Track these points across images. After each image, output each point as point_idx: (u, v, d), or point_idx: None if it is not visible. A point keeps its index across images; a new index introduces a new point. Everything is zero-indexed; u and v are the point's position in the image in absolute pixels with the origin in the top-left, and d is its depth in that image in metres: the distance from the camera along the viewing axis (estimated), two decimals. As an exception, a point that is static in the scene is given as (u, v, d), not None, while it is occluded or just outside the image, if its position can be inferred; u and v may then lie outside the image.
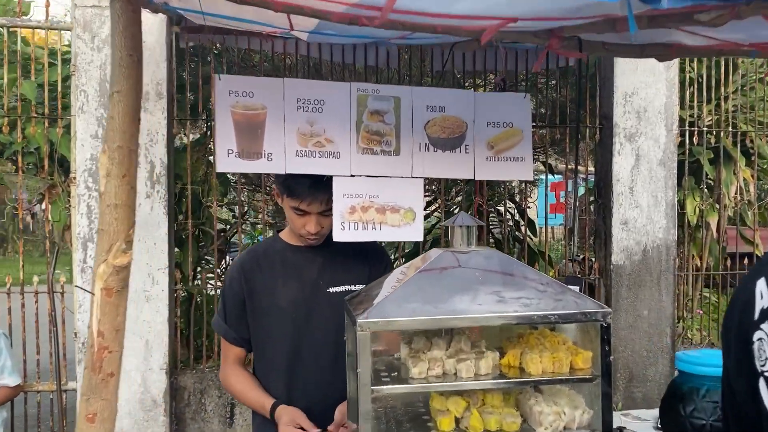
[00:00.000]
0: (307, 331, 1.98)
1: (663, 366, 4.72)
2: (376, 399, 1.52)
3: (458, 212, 1.59)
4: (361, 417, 1.39)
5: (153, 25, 3.94)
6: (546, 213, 4.98)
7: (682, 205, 5.25)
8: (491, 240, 5.49)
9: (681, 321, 5.35)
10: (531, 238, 5.43)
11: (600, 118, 4.76)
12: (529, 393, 1.57)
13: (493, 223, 5.61)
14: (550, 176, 7.20)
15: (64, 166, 4.15)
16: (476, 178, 2.14)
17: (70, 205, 4.06)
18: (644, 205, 4.66)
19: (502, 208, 4.88)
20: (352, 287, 1.96)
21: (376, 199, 2.07)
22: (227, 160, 1.95)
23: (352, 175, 2.05)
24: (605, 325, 1.44)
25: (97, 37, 3.91)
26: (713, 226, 5.26)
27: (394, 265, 2.32)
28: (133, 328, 3.90)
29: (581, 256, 5.30)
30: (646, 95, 4.66)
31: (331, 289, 1.98)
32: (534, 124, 5.05)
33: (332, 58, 4.23)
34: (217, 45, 4.39)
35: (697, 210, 5.22)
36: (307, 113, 2.02)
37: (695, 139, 5.03)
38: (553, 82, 5.12)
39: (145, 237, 3.97)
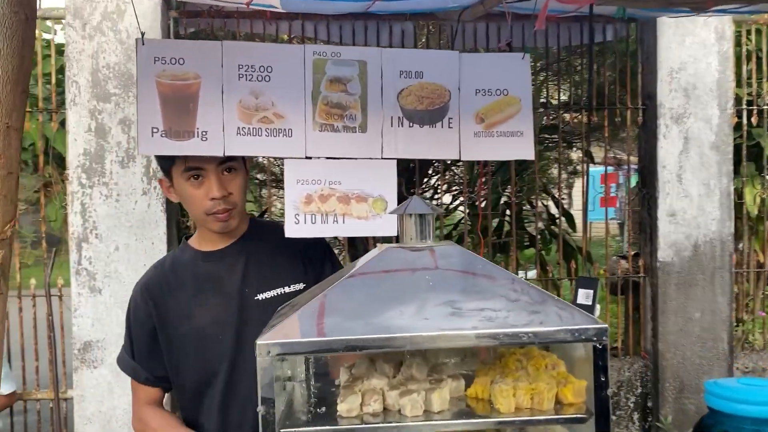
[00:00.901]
0: (239, 355, 1.61)
1: (719, 374, 4.19)
2: None
3: (412, 198, 1.20)
4: (266, 468, 1.03)
5: (148, 10, 3.70)
6: (585, 207, 4.51)
7: (740, 195, 4.68)
8: (525, 237, 5.04)
9: (741, 324, 4.77)
10: (569, 234, 4.97)
11: (643, 98, 4.26)
12: (505, 434, 1.18)
13: (528, 218, 5.16)
14: (601, 168, 6.70)
15: (60, 163, 3.95)
16: (462, 158, 1.75)
17: (66, 204, 3.84)
18: (694, 195, 4.14)
19: (537, 201, 4.44)
20: (287, 289, 1.59)
21: (338, 185, 1.70)
22: (151, 141, 1.62)
23: (307, 157, 1.69)
24: (600, 347, 1.04)
25: (88, 25, 3.68)
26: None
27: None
28: (131, 334, 3.66)
29: (632, 252, 4.79)
30: (695, 71, 4.14)
31: (260, 296, 1.60)
32: (569, 107, 4.61)
33: (342, 40, 3.89)
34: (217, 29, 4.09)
35: (758, 199, 4.64)
36: (251, 83, 1.67)
37: (754, 120, 4.45)
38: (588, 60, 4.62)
39: (142, 236, 3.73)
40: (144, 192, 3.73)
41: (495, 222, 4.90)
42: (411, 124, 1.74)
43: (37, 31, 3.98)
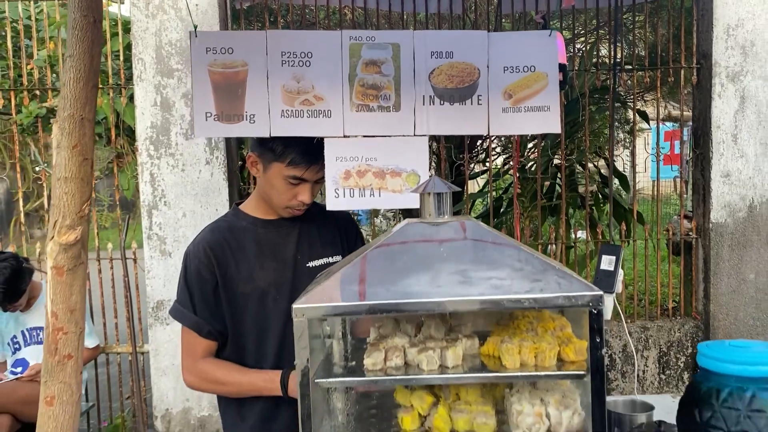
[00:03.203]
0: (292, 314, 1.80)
1: (775, 337, 4.18)
2: (332, 391, 1.34)
3: (431, 176, 1.34)
4: (303, 410, 1.22)
5: (206, -14, 3.86)
6: (634, 168, 4.49)
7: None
8: (577, 199, 5.06)
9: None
10: (621, 195, 4.95)
11: (698, 56, 4.18)
12: (513, 388, 1.32)
13: (581, 180, 5.17)
14: (664, 125, 6.57)
15: (131, 135, 4.24)
16: (491, 134, 1.86)
17: (137, 174, 4.13)
18: (751, 155, 4.08)
19: (587, 162, 4.44)
20: (331, 260, 1.76)
21: (374, 162, 1.85)
22: (205, 125, 1.80)
23: (345, 136, 1.84)
24: (595, 312, 1.17)
25: (151, 4, 3.89)
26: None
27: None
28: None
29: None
30: (753, 27, 4.03)
31: (311, 264, 1.78)
32: (620, 67, 4.55)
33: (391, 7, 3.98)
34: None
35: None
36: (293, 68, 1.82)
37: (817, 76, 4.29)
38: (642, 17, 4.53)
39: (206, 203, 3.98)
40: (207, 162, 3.96)
41: (546, 185, 4.95)
42: (442, 102, 1.86)
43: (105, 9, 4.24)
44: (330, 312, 1.21)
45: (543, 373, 1.22)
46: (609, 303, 1.79)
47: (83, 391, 4.06)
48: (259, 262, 1.81)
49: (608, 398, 1.89)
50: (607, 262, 1.83)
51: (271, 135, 1.80)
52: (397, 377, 1.25)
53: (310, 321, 1.21)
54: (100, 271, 4.33)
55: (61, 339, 1.48)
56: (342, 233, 1.91)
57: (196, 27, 1.79)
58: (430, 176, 1.47)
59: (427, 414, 1.30)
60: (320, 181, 1.81)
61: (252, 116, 1.81)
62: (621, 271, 1.85)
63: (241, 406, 1.93)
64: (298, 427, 1.79)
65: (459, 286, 1.21)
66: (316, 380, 1.24)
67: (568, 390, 1.32)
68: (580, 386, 1.29)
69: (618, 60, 4.28)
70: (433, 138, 4.06)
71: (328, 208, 1.85)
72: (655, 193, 4.61)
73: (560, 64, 1.97)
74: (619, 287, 1.86)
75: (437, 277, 1.23)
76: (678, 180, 4.73)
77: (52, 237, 1.48)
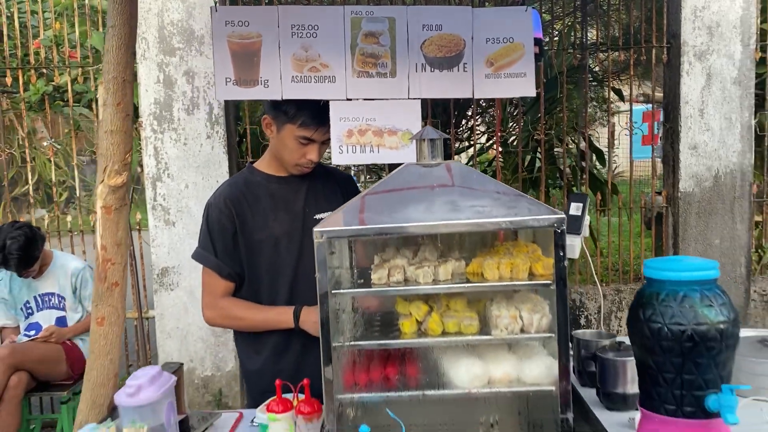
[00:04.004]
0: (301, 261, 2.05)
1: (737, 297, 4.51)
2: (344, 303, 1.61)
3: (425, 126, 1.61)
4: (322, 314, 1.49)
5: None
6: (611, 142, 4.80)
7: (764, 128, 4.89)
8: (556, 172, 5.36)
9: (760, 250, 5.05)
10: (597, 169, 5.25)
11: (668, 36, 4.48)
12: (494, 298, 1.60)
13: (560, 154, 5.47)
14: (641, 106, 6.85)
15: (135, 111, 4.45)
16: (475, 96, 2.13)
17: (140, 148, 4.36)
18: (716, 128, 4.39)
19: (569, 139, 4.72)
20: None
21: (373, 122, 2.11)
22: (225, 88, 2.06)
23: (348, 99, 2.10)
24: (558, 231, 1.44)
25: (153, -15, 4.09)
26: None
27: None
28: (201, 261, 4.20)
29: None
30: (719, 8, 4.32)
31: (317, 216, 2.03)
32: (596, 48, 4.84)
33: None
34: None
35: (781, 131, 4.84)
36: (301, 39, 2.08)
37: (778, 55, 4.62)
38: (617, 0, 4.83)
39: (208, 175, 4.22)
40: (208, 136, 4.20)
41: (528, 159, 5.24)
42: (432, 69, 2.13)
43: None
44: (345, 234, 1.48)
45: (517, 283, 1.50)
46: (576, 242, 2.07)
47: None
48: (272, 214, 2.08)
49: (578, 331, 2.19)
50: (575, 209, 2.11)
51: (283, 98, 2.06)
52: (399, 288, 1.53)
53: (328, 241, 1.48)
54: (106, 241, 4.56)
55: (109, 268, 1.74)
56: (343, 190, 2.20)
57: (216, 2, 2.03)
58: (423, 125, 1.73)
59: (423, 320, 1.58)
60: (326, 142, 2.07)
61: (266, 81, 2.06)
62: (587, 217, 2.13)
63: (256, 341, 2.18)
64: (305, 360, 2.07)
65: (449, 213, 1.49)
66: (333, 291, 1.51)
67: (538, 300, 1.60)
68: (548, 296, 1.57)
69: (594, 41, 4.57)
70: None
71: (334, 162, 2.12)
72: (630, 170, 4.91)
73: (536, 38, 2.24)
74: (586, 231, 2.13)
75: (431, 207, 1.51)
76: (654, 158, 5.04)
77: (102, 181, 1.73)
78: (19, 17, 4.36)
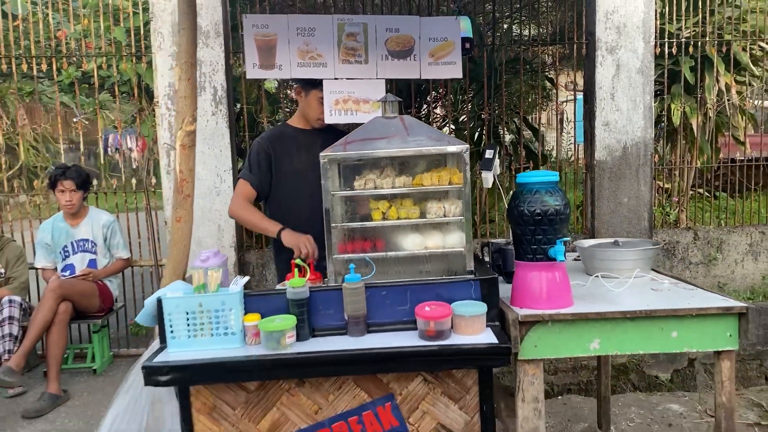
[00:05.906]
0: (316, 191, 2.98)
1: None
2: (337, 202, 2.61)
3: (387, 94, 2.61)
4: (327, 207, 2.48)
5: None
6: (539, 122, 5.87)
7: (671, 111, 6.00)
8: (504, 150, 6.42)
9: (660, 207, 6.17)
10: (532, 144, 6.31)
11: (587, 34, 5.54)
12: (428, 197, 2.62)
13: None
14: (570, 92, 7.84)
15: (149, 93, 5.34)
16: (421, 77, 3.15)
17: (155, 123, 5.28)
18: (624, 109, 5.46)
19: (504, 118, 5.76)
20: None
21: (353, 94, 3.11)
22: (253, 71, 3.04)
23: (336, 78, 3.10)
24: (463, 154, 2.46)
25: (167, -12, 5.00)
26: (694, 126, 6.00)
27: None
28: (208, 216, 5.13)
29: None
30: (625, 12, 5.39)
31: None
32: (531, 43, 5.90)
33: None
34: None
35: (677, 112, 5.96)
36: (303, 37, 3.06)
37: (674, 51, 5.73)
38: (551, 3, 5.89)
39: (213, 146, 5.13)
40: (213, 113, 5.12)
41: (476, 136, 6.28)
42: (392, 59, 3.14)
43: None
44: (336, 158, 2.48)
45: (442, 187, 2.51)
46: (489, 177, 3.09)
47: (115, 294, 5.20)
48: (298, 155, 3.05)
49: (492, 239, 3.21)
50: (489, 154, 3.14)
51: (292, 77, 3.05)
52: (371, 191, 2.53)
53: (330, 162, 2.47)
54: (125, 201, 5.48)
55: (184, 185, 2.71)
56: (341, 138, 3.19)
57: (244, 14, 3.01)
58: (386, 92, 2.74)
59: (385, 212, 2.58)
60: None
61: (280, 66, 3.05)
62: (498, 160, 3.16)
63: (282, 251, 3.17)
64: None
65: (401, 145, 2.50)
66: (332, 192, 2.51)
67: (454, 198, 2.62)
68: (461, 197, 2.59)
69: (527, 37, 5.60)
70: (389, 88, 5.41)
71: (326, 122, 3.12)
72: (557, 150, 5.99)
73: (467, 38, 3.26)
74: (497, 170, 3.16)
75: (390, 142, 2.51)
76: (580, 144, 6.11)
77: (180, 128, 2.70)
78: (52, 13, 5.23)
